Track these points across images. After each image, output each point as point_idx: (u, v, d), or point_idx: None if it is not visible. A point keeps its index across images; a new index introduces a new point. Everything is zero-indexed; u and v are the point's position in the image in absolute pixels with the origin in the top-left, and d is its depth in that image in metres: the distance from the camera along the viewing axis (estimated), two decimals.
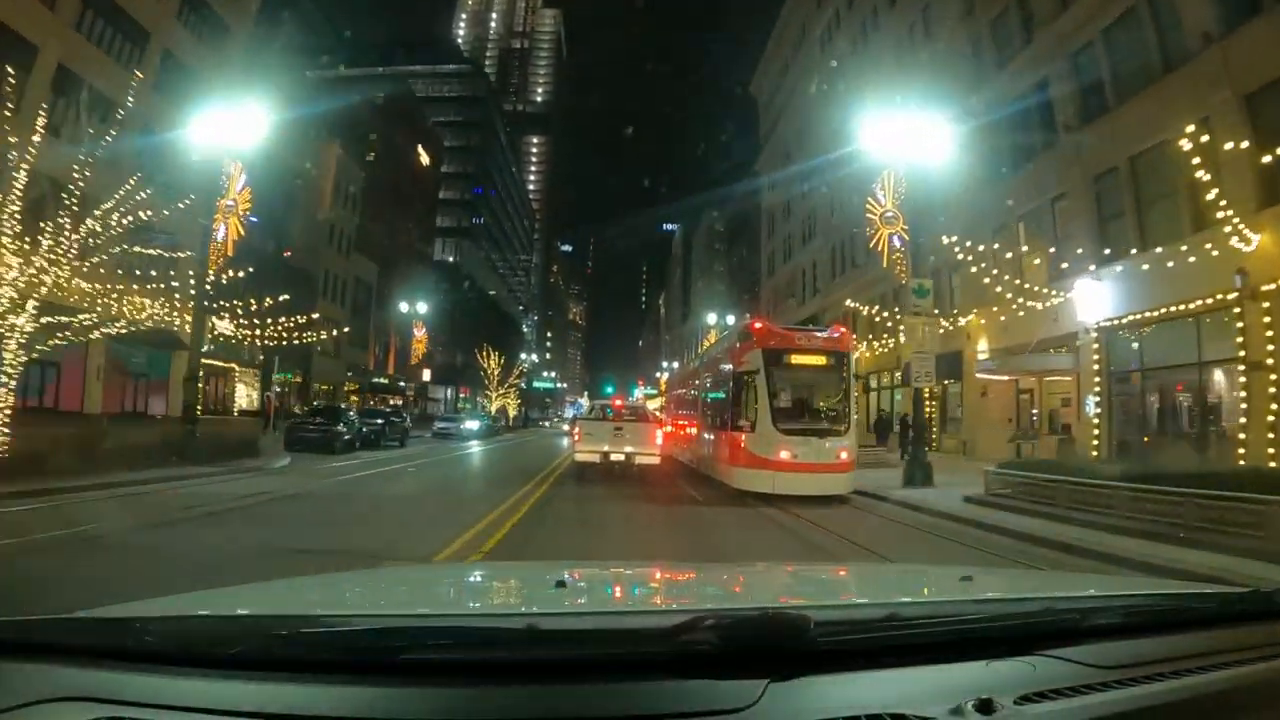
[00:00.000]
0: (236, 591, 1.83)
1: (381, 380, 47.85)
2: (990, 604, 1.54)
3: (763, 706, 1.02)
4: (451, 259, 69.25)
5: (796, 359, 11.70)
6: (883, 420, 25.69)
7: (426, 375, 57.69)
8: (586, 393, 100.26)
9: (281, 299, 21.17)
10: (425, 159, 58.47)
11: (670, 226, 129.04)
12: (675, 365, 53.64)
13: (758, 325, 12.31)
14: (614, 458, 13.68)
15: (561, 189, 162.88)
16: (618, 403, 22.48)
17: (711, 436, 13.72)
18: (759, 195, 48.81)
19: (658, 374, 72.97)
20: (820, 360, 11.86)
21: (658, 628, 1.15)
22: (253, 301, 27.13)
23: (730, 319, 32.70)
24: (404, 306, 44.55)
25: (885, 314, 21.94)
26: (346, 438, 19.21)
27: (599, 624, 1.36)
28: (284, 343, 23.60)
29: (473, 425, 35.69)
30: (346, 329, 39.36)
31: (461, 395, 66.10)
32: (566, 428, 38.28)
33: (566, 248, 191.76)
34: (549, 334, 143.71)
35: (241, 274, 17.91)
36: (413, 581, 2.25)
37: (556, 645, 1.16)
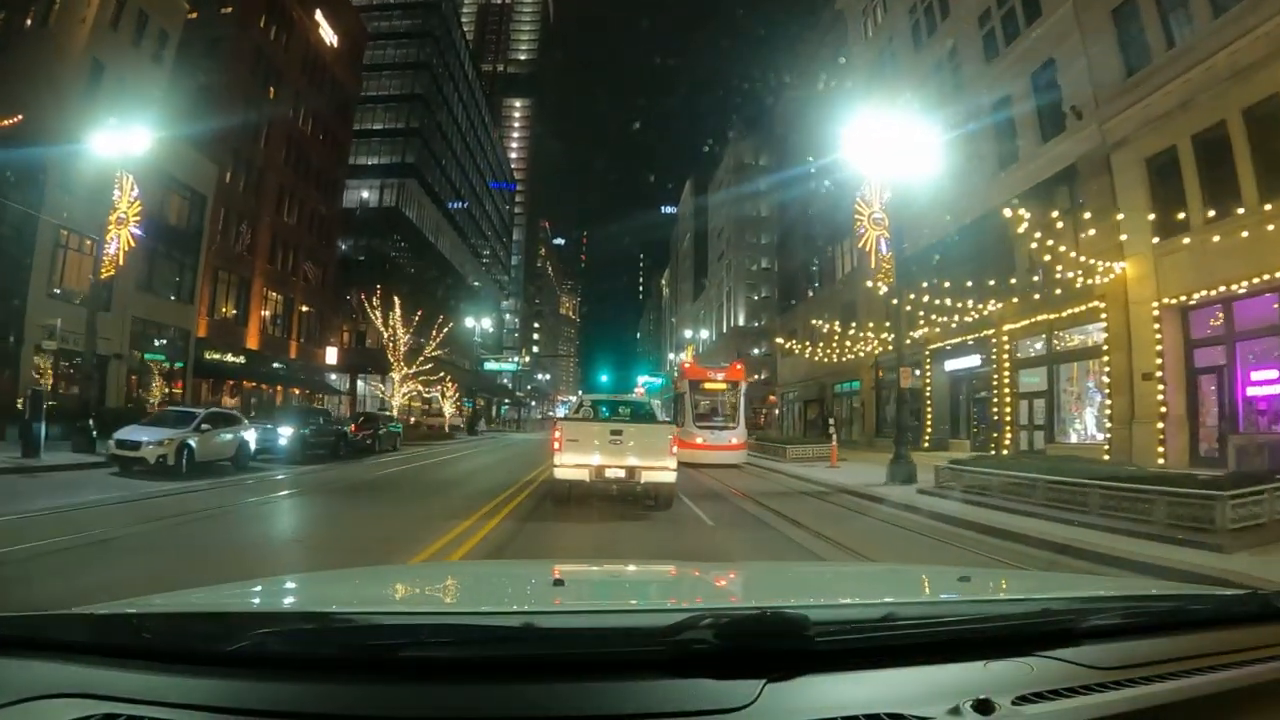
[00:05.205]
0: (234, 588, 1.76)
1: (227, 358, 29.32)
2: (988, 604, 1.54)
3: (760, 706, 1.00)
4: (390, 204, 50.73)
5: (707, 385, 20.71)
6: None
7: (332, 356, 39.12)
8: (580, 391, 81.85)
9: None
10: (332, 38, 39.95)
11: (670, 209, 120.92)
12: (704, 334, 41.69)
13: (687, 366, 24.16)
14: (610, 474, 9.52)
15: (548, 163, 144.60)
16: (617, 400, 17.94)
17: None
18: (833, 73, 31.64)
19: (672, 355, 57.47)
20: (722, 386, 20.69)
21: (655, 627, 1.12)
22: None
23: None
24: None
25: None
26: None
27: (596, 623, 1.33)
28: None
29: (246, 437, 14.70)
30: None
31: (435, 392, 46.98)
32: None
33: (559, 240, 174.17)
34: (536, 325, 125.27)
35: None
36: (410, 579, 2.21)
37: (554, 644, 1.13)
